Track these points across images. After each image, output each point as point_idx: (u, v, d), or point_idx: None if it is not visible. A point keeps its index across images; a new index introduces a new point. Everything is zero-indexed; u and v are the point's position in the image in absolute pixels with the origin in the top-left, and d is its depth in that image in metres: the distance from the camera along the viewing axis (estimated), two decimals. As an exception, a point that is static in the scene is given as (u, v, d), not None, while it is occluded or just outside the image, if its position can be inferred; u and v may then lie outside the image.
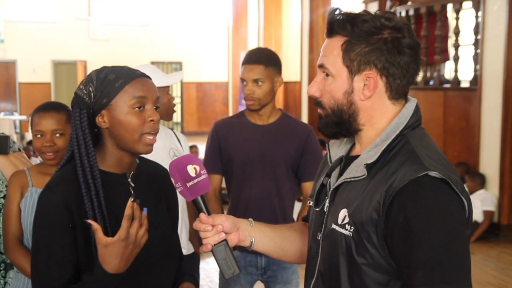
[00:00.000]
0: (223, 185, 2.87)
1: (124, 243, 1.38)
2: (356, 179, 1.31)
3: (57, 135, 2.13)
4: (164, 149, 2.50)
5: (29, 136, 11.85)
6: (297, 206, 2.89)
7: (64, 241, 1.44)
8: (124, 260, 1.40)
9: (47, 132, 2.13)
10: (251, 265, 2.73)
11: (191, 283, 1.69)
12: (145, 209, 1.46)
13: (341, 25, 1.32)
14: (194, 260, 2.69)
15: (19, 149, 2.44)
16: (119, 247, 1.38)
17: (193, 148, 8.50)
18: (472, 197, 6.00)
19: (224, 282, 2.74)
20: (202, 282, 3.03)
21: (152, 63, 15.63)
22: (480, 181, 6.09)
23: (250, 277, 2.74)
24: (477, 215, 5.90)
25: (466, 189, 5.14)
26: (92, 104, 1.49)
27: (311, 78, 9.32)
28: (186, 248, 2.59)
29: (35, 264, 1.47)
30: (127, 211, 1.39)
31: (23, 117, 13.67)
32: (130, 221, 1.39)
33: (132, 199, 1.40)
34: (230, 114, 13.18)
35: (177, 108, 17.26)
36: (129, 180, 1.57)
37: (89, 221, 1.40)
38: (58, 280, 1.43)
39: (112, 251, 1.38)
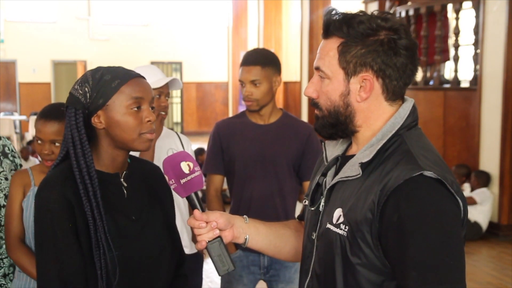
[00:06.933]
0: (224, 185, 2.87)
1: None
2: (351, 178, 1.30)
3: (56, 144, 2.13)
4: (163, 148, 2.49)
5: (29, 136, 11.84)
6: (299, 206, 2.89)
7: (69, 238, 1.42)
8: None
9: (46, 141, 2.13)
10: (254, 265, 2.73)
11: None
12: None
13: (337, 26, 1.31)
14: (197, 260, 2.70)
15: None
16: None
17: (203, 156, 7.64)
18: (473, 194, 6.00)
19: (227, 282, 2.73)
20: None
21: (152, 63, 15.63)
22: (484, 180, 6.03)
23: (252, 276, 2.74)
24: (478, 216, 5.88)
25: (469, 188, 5.05)
26: (87, 104, 1.48)
27: (311, 78, 9.31)
28: (189, 247, 2.59)
29: (41, 265, 1.44)
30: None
31: (23, 117, 13.67)
32: None
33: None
34: (230, 114, 13.17)
35: (177, 108, 17.28)
36: (122, 180, 1.56)
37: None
38: (69, 279, 1.40)
39: None
